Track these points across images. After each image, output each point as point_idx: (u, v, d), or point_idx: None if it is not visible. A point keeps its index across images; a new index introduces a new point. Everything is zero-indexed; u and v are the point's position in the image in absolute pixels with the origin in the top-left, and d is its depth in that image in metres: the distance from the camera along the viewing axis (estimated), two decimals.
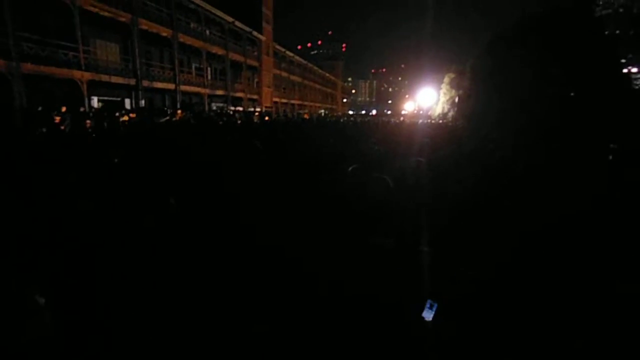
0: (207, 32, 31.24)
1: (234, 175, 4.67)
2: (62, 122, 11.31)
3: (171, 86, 26.44)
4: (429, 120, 33.56)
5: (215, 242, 2.93)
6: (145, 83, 23.34)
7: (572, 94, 17.24)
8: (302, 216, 3.02)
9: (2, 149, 6.73)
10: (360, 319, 2.12)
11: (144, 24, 22.69)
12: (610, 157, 7.03)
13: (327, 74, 78.53)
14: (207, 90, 31.40)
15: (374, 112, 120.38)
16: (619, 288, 1.92)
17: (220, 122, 18.73)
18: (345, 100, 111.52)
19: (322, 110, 69.93)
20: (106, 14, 19.59)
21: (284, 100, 51.72)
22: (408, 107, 66.54)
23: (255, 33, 39.60)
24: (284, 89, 51.87)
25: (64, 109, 13.34)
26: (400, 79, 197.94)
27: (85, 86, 18.14)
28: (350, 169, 3.96)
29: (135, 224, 3.22)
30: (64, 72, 17.09)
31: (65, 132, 10.03)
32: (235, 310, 2.33)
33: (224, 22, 33.41)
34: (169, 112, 20.82)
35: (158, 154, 6.81)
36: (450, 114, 32.67)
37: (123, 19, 20.87)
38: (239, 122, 20.74)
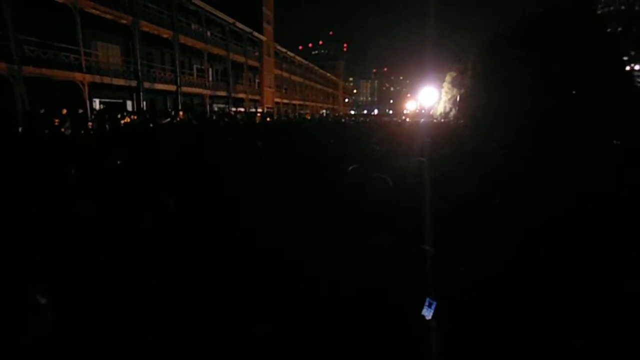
0: (208, 33, 31.30)
1: (236, 175, 4.66)
2: (62, 124, 11.35)
3: (172, 88, 26.50)
4: (431, 120, 33.54)
5: (215, 243, 2.92)
6: (147, 85, 23.39)
7: (573, 92, 17.19)
8: (302, 216, 3.01)
9: (3, 151, 6.75)
10: (360, 319, 2.11)
11: (145, 26, 22.75)
12: (614, 154, 7.00)
13: (329, 74, 78.58)
14: (209, 92, 31.45)
15: (375, 111, 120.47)
16: (626, 286, 1.90)
17: (222, 123, 18.77)
18: (346, 100, 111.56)
19: (324, 111, 70.00)
20: (107, 16, 19.65)
21: (286, 101, 51.77)
22: (410, 106, 66.48)
23: (256, 34, 39.65)
24: (285, 89, 51.93)
25: (64, 111, 13.39)
26: (401, 78, 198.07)
27: (86, 88, 18.19)
28: (350, 168, 3.95)
29: (134, 225, 3.22)
30: (65, 74, 17.15)
31: (65, 135, 10.06)
32: (237, 311, 2.32)
33: (225, 23, 33.47)
34: (172, 114, 20.89)
35: (159, 156, 6.81)
36: (452, 112, 32.60)
37: (124, 21, 20.92)
38: (240, 122, 20.76)
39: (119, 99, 22.25)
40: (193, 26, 29.34)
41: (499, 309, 2.14)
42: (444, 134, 12.17)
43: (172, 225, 3.21)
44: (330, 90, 79.83)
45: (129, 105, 23.03)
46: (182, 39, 26.83)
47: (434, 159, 5.21)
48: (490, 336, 2.00)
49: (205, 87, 31.12)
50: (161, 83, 25.17)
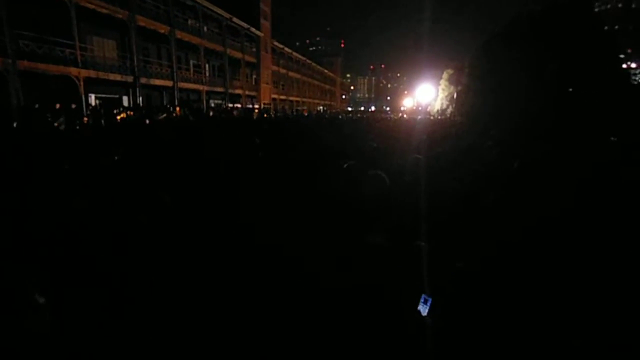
0: (205, 28, 31.13)
1: (233, 172, 4.65)
2: (55, 119, 11.29)
3: (169, 83, 26.36)
4: (428, 116, 33.59)
5: (211, 241, 2.91)
6: (143, 80, 23.26)
7: (570, 89, 17.24)
8: (298, 213, 3.00)
9: None
10: (356, 316, 2.11)
11: (142, 21, 22.60)
12: (610, 152, 7.03)
13: (326, 71, 78.41)
14: (205, 87, 31.32)
15: (372, 108, 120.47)
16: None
17: (223, 116, 18.75)
18: (344, 96, 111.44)
19: (321, 107, 69.92)
20: (103, 10, 19.50)
21: (283, 97, 51.66)
22: (407, 103, 66.54)
23: (253, 29, 39.48)
24: (282, 85, 51.80)
25: (57, 105, 13.31)
26: (399, 75, 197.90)
27: (82, 83, 18.07)
28: (345, 165, 3.94)
29: (129, 222, 3.20)
30: (60, 69, 17.02)
31: (59, 130, 10.00)
32: (233, 308, 2.32)
33: (222, 19, 33.30)
34: (170, 109, 20.82)
35: (156, 152, 6.78)
36: (449, 110, 32.66)
37: (120, 16, 20.77)
38: (237, 118, 20.75)
39: (115, 94, 22.13)
40: (190, 21, 29.17)
41: (495, 306, 2.14)
42: (440, 131, 12.18)
43: (168, 221, 3.20)
44: (327, 86, 79.68)
45: (125, 100, 22.92)
46: (179, 34, 26.69)
47: (431, 156, 5.21)
48: (485, 333, 2.00)
49: (202, 83, 30.98)
50: (157, 78, 25.03)
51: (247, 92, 39.85)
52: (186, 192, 3.92)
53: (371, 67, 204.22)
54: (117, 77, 21.17)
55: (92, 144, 7.51)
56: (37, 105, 13.45)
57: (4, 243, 2.69)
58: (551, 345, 1.88)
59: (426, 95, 46.00)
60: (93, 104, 19.97)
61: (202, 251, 2.77)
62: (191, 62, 31.32)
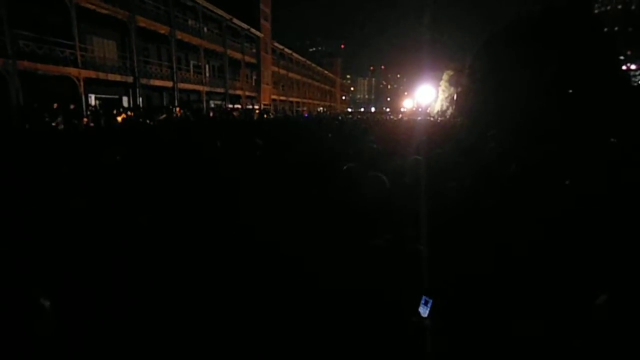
0: (205, 29, 31.15)
1: (234, 172, 4.65)
2: (52, 119, 11.29)
3: (169, 84, 26.36)
4: (428, 118, 33.60)
5: (212, 243, 2.90)
6: (143, 81, 23.25)
7: (569, 91, 17.25)
8: (298, 215, 2.99)
9: None
10: (356, 318, 2.10)
11: (142, 21, 22.60)
12: (610, 153, 7.02)
13: (326, 71, 78.42)
14: (205, 88, 31.31)
15: (372, 109, 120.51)
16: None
17: (230, 118, 18.79)
18: (344, 97, 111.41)
19: (321, 108, 69.94)
20: (103, 11, 19.50)
21: (283, 98, 51.66)
22: (407, 104, 66.59)
23: (253, 30, 39.49)
24: (282, 86, 51.81)
25: (55, 105, 13.32)
26: (399, 76, 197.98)
27: (82, 84, 18.06)
28: (345, 167, 3.94)
29: (129, 222, 3.20)
30: (60, 69, 17.01)
31: (57, 130, 10.01)
32: (234, 310, 2.31)
33: (222, 19, 33.31)
34: (172, 110, 20.83)
35: (156, 152, 6.78)
36: (449, 111, 32.68)
37: (120, 16, 20.77)
38: (238, 119, 20.79)
39: (114, 94, 22.12)
40: (190, 22, 29.18)
41: (496, 308, 2.13)
42: (440, 132, 12.19)
43: (168, 222, 3.19)
44: (327, 87, 79.69)
45: (125, 101, 22.91)
46: (179, 35, 26.69)
47: (431, 157, 5.20)
48: (486, 335, 2.00)
49: (202, 84, 30.97)
50: (157, 79, 25.03)
51: (247, 93, 39.85)
52: (187, 193, 3.92)
53: (371, 68, 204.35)
54: (117, 78, 21.17)
55: (91, 144, 7.50)
56: (35, 105, 13.43)
57: (8, 246, 2.69)
58: (552, 346, 1.88)
59: (426, 97, 46.04)
60: (93, 104, 19.95)
61: (204, 253, 2.77)
62: (191, 62, 31.31)
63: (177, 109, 22.56)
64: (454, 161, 5.26)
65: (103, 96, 21.17)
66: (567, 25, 17.91)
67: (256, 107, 39.53)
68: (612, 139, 8.95)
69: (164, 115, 18.61)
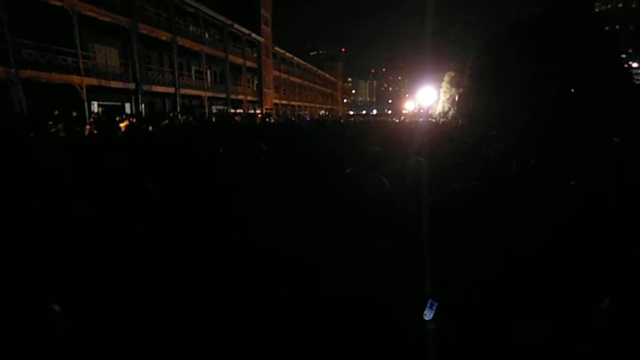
0: (206, 35, 31.29)
1: (238, 176, 4.66)
2: (53, 126, 11.36)
3: (171, 90, 26.47)
4: (430, 119, 33.58)
5: (215, 243, 2.91)
6: (145, 87, 23.37)
7: (572, 90, 17.21)
8: (301, 218, 2.99)
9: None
10: (360, 320, 2.10)
11: (143, 28, 22.74)
12: (614, 152, 6.99)
13: (327, 75, 78.58)
14: (207, 93, 31.44)
15: (374, 111, 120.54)
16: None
17: (233, 123, 18.88)
18: (345, 100, 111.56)
19: (323, 111, 70.06)
20: (105, 19, 19.63)
21: (285, 102, 51.78)
22: (408, 106, 66.58)
23: (254, 35, 39.65)
24: (284, 90, 51.95)
25: (56, 113, 13.43)
26: (400, 78, 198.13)
27: (84, 91, 18.16)
28: (348, 170, 3.94)
29: (132, 225, 3.21)
30: (63, 77, 17.12)
31: (59, 137, 10.07)
32: (236, 311, 2.31)
33: (223, 25, 33.47)
34: (175, 116, 20.93)
35: (158, 158, 6.80)
36: (451, 112, 32.64)
37: (122, 24, 20.90)
38: (241, 124, 20.87)
39: (117, 101, 22.23)
40: (191, 28, 29.34)
41: (501, 309, 2.12)
42: (442, 134, 12.17)
43: (171, 226, 3.20)
44: (328, 90, 79.82)
45: (128, 107, 23.01)
46: (181, 41, 26.82)
47: (433, 159, 5.19)
48: (491, 338, 1.98)
49: (204, 89, 31.10)
50: (159, 85, 25.15)
51: (249, 98, 39.97)
52: (192, 197, 3.93)
53: (372, 70, 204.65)
54: (119, 85, 21.28)
55: (93, 150, 7.53)
56: (37, 113, 13.56)
57: (15, 252, 2.71)
58: (557, 349, 1.87)
59: (428, 98, 46.03)
60: (95, 111, 20.06)
61: (208, 254, 2.77)
62: (193, 68, 31.45)
63: (180, 115, 22.67)
64: (456, 162, 5.25)
65: (105, 103, 21.28)
66: (568, 25, 17.89)
67: (258, 111, 39.65)
68: (615, 138, 8.92)
69: (166, 122, 18.69)
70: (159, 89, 25.02)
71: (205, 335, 2.19)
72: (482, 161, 5.54)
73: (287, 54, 51.72)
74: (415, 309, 2.02)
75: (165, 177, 4.77)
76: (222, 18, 32.40)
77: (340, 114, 76.11)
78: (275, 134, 12.56)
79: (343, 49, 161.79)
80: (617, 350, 1.64)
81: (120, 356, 2.09)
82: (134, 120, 18.65)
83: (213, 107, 33.37)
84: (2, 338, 1.64)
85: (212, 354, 2.16)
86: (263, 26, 42.90)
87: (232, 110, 34.53)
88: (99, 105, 20.82)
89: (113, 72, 21.34)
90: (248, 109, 38.50)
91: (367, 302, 2.15)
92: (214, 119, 25.97)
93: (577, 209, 3.03)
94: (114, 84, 20.83)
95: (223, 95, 34.59)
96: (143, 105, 23.04)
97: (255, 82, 43.57)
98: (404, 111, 68.87)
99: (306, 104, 61.78)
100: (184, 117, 22.59)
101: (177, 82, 26.85)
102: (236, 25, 35.24)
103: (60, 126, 11.35)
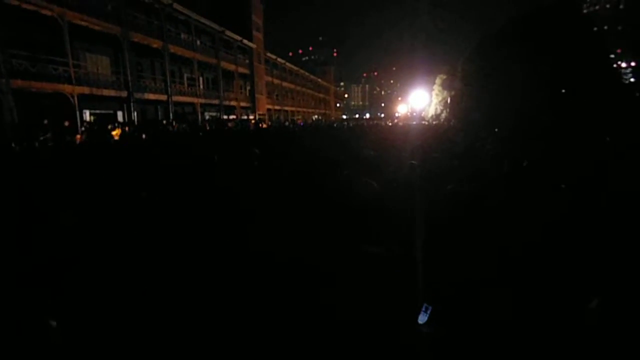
0: (198, 42, 31.27)
1: (232, 181, 4.65)
2: (41, 135, 11.27)
3: (163, 97, 26.39)
4: (423, 122, 33.74)
5: (215, 253, 2.89)
6: (137, 95, 23.28)
7: (562, 90, 17.35)
8: (295, 222, 2.99)
9: None
10: (354, 326, 2.10)
11: (135, 36, 22.69)
12: (605, 152, 7.06)
13: (319, 80, 78.71)
14: (200, 100, 31.38)
15: (367, 115, 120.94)
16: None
17: (226, 128, 18.83)
18: (338, 105, 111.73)
19: (316, 116, 70.12)
20: (96, 27, 19.56)
21: (277, 107, 51.80)
22: (401, 109, 66.85)
23: (245, 41, 39.68)
24: (277, 96, 51.98)
25: (45, 122, 13.35)
26: (392, 81, 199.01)
27: (76, 100, 18.06)
28: (341, 176, 3.94)
29: (129, 233, 3.19)
30: (54, 86, 17.02)
31: (47, 147, 9.99)
32: (235, 316, 2.31)
33: (214, 32, 33.47)
34: (167, 123, 20.86)
35: (152, 166, 6.77)
36: (443, 115, 32.84)
37: (113, 32, 20.84)
38: (234, 130, 20.86)
39: (109, 109, 22.12)
40: (182, 35, 29.30)
41: (494, 310, 2.12)
42: (435, 136, 12.23)
43: (165, 234, 3.18)
44: (321, 95, 79.94)
45: (120, 115, 22.90)
46: (172, 49, 26.77)
47: (426, 162, 5.21)
48: (486, 341, 1.99)
49: (197, 96, 31.04)
50: (152, 93, 25.06)
51: (241, 104, 39.95)
52: (186, 203, 3.92)
53: (364, 74, 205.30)
54: (111, 93, 21.19)
55: (83, 160, 7.47)
56: (27, 124, 13.49)
57: (11, 264, 2.68)
58: (552, 351, 1.87)
59: (420, 101, 46.28)
60: (87, 120, 19.94)
61: (205, 261, 2.76)
62: (185, 75, 31.39)
63: (175, 122, 22.62)
64: (449, 165, 5.27)
65: (98, 111, 21.17)
66: (557, 26, 18.07)
67: (251, 117, 39.61)
68: (607, 138, 9.01)
69: (160, 128, 18.65)
70: (151, 96, 24.93)
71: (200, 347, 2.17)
72: (475, 163, 5.57)
73: (279, 59, 51.79)
74: (411, 314, 2.01)
75: (159, 185, 4.75)
76: (213, 25, 32.42)
77: (333, 118, 76.19)
78: (269, 140, 12.55)
79: (335, 52, 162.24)
80: (606, 348, 1.66)
81: None
82: (127, 128, 18.56)
83: (206, 113, 33.30)
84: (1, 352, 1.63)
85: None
86: (255, 32, 42.95)
87: (225, 117, 34.47)
88: (90, 114, 20.71)
89: (105, 80, 21.25)
90: (241, 115, 38.45)
91: (361, 307, 2.14)
92: (207, 126, 25.92)
93: (568, 210, 3.05)
94: (106, 92, 20.74)
95: (216, 102, 34.54)
96: (135, 113, 22.94)
97: (248, 88, 43.55)
98: (396, 114, 69.13)
99: (299, 109, 61.84)
100: (177, 124, 22.52)
101: (169, 89, 26.77)
102: (228, 32, 35.26)
103: (48, 135, 11.25)
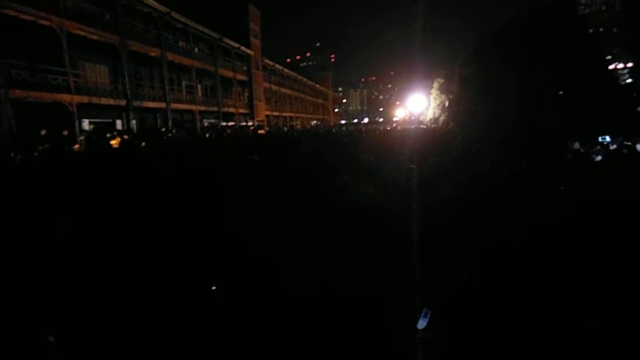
0: (196, 49, 31.38)
1: (233, 187, 4.64)
2: (38, 145, 11.26)
3: (162, 105, 26.42)
4: (421, 126, 33.81)
5: (212, 260, 2.89)
6: (136, 103, 23.30)
7: (560, 92, 17.41)
8: (297, 227, 2.98)
9: None
10: (352, 332, 2.09)
11: (133, 45, 22.77)
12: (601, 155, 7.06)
13: (318, 85, 78.95)
14: (198, 107, 31.43)
15: (366, 120, 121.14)
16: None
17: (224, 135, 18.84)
18: (336, 110, 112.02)
19: (315, 122, 70.27)
20: (94, 37, 19.64)
21: (276, 113, 51.91)
22: (399, 113, 67.01)
23: (243, 48, 39.83)
24: (275, 102, 52.11)
25: (43, 132, 13.36)
26: (390, 86, 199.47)
27: (75, 109, 18.10)
28: (340, 182, 3.95)
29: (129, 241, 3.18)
30: (53, 96, 17.06)
31: (46, 156, 9.99)
32: (240, 322, 2.30)
33: (212, 39, 33.61)
34: (166, 130, 20.89)
35: (152, 174, 6.77)
36: (442, 118, 32.91)
37: (111, 41, 20.92)
38: (233, 136, 20.89)
39: (108, 118, 22.14)
40: (181, 43, 29.41)
41: (494, 312, 2.12)
42: (434, 140, 12.24)
43: (165, 241, 3.18)
44: (320, 101, 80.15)
45: (119, 124, 22.93)
46: (170, 57, 26.85)
47: (425, 166, 5.22)
48: (485, 345, 1.98)
49: (195, 103, 31.09)
50: (150, 101, 25.10)
51: (240, 110, 40.03)
52: (190, 209, 3.91)
53: (362, 79, 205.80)
54: (110, 102, 21.22)
55: (80, 169, 7.46)
56: (27, 134, 13.51)
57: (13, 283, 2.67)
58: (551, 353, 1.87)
59: (418, 105, 46.40)
60: (86, 128, 19.96)
61: (207, 275, 2.75)
62: (183, 83, 31.46)
63: (175, 130, 22.65)
64: (448, 168, 5.28)
65: (96, 120, 21.19)
66: (553, 28, 18.15)
67: (250, 123, 39.68)
68: (604, 139, 9.03)
69: (158, 137, 18.66)
70: (150, 104, 24.97)
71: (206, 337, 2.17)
72: (473, 166, 5.57)
73: (277, 65, 51.96)
74: (410, 318, 2.01)
75: (158, 193, 4.74)
76: (211, 33, 32.56)
77: (332, 123, 76.34)
78: (268, 146, 12.57)
79: (333, 57, 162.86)
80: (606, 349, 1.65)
81: None
82: (126, 136, 18.56)
83: (205, 120, 33.34)
84: None
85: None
86: (252, 39, 43.12)
87: (224, 123, 34.52)
88: (89, 123, 20.72)
89: (103, 89, 21.29)
90: (240, 122, 38.52)
91: (364, 312, 2.14)
92: (207, 134, 25.94)
93: (567, 213, 3.05)
94: (105, 101, 20.78)
95: (214, 109, 34.60)
96: (134, 121, 22.97)
97: (246, 94, 43.66)
98: (395, 118, 69.27)
99: (298, 115, 61.98)
100: (176, 132, 22.53)
101: (167, 97, 26.82)
102: (225, 39, 35.41)
103: (47, 146, 11.25)
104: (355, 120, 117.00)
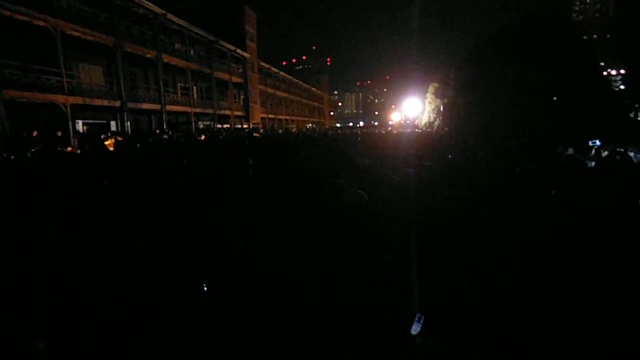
0: (192, 51, 31.36)
1: (228, 191, 4.63)
2: (30, 147, 11.16)
3: (157, 107, 26.35)
4: (416, 130, 33.93)
5: (214, 271, 2.86)
6: (131, 104, 23.23)
7: (554, 98, 17.56)
8: (289, 234, 2.97)
9: None
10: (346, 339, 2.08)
11: (128, 47, 22.70)
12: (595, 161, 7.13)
13: (313, 88, 79.11)
14: (194, 109, 31.38)
15: (361, 124, 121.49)
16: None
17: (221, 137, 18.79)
18: (332, 113, 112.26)
19: (310, 125, 70.37)
20: (89, 37, 19.56)
21: (272, 116, 51.94)
22: (394, 117, 67.22)
23: (239, 51, 39.86)
24: (271, 105, 52.14)
25: (35, 133, 13.27)
26: (385, 90, 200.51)
27: (69, 110, 18.00)
28: (335, 184, 3.94)
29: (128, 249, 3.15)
30: (47, 97, 16.97)
31: (35, 158, 9.91)
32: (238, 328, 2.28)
33: (208, 42, 33.61)
34: (161, 132, 20.80)
35: (146, 177, 6.73)
36: (437, 122, 33.05)
37: (106, 42, 20.85)
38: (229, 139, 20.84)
39: (102, 119, 22.03)
40: (176, 45, 29.37)
41: (493, 318, 2.12)
42: (429, 144, 12.26)
43: (161, 245, 3.15)
44: (315, 104, 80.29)
45: (113, 125, 22.82)
46: (166, 58, 26.80)
47: (421, 170, 5.23)
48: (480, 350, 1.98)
49: (190, 105, 31.04)
50: (145, 102, 25.02)
51: (235, 113, 40.00)
52: (181, 214, 3.89)
53: (358, 83, 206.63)
54: (104, 103, 21.13)
55: (71, 171, 7.39)
56: (25, 134, 13.40)
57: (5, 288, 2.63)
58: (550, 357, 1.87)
59: (413, 109, 46.57)
60: (81, 130, 19.84)
61: (201, 281, 2.73)
62: (178, 84, 31.40)
63: (170, 132, 22.57)
64: (443, 173, 5.29)
65: (91, 121, 21.07)
66: (546, 35, 18.33)
67: (245, 126, 39.67)
68: (595, 143, 9.10)
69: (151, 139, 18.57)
70: (145, 106, 24.89)
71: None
72: (468, 170, 5.59)
73: (272, 68, 52.03)
74: (404, 324, 2.00)
75: (153, 197, 4.71)
76: (207, 35, 32.56)
77: (327, 126, 76.50)
78: (263, 149, 12.55)
79: (329, 61, 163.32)
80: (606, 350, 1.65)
81: None
82: (120, 138, 18.45)
83: (200, 122, 33.27)
84: None
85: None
86: (248, 42, 43.16)
87: (219, 126, 34.48)
88: (83, 124, 20.61)
89: (98, 90, 21.21)
90: (235, 124, 38.49)
91: (359, 318, 2.13)
92: (202, 136, 25.87)
93: (559, 218, 3.07)
94: (99, 102, 20.69)
95: (210, 111, 34.55)
96: (129, 123, 22.88)
97: (242, 97, 43.65)
98: (390, 122, 69.46)
99: (293, 118, 62.05)
100: (171, 134, 22.45)
101: (162, 98, 26.75)
102: (221, 42, 35.41)
103: (39, 147, 11.16)
104: (351, 124, 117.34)
